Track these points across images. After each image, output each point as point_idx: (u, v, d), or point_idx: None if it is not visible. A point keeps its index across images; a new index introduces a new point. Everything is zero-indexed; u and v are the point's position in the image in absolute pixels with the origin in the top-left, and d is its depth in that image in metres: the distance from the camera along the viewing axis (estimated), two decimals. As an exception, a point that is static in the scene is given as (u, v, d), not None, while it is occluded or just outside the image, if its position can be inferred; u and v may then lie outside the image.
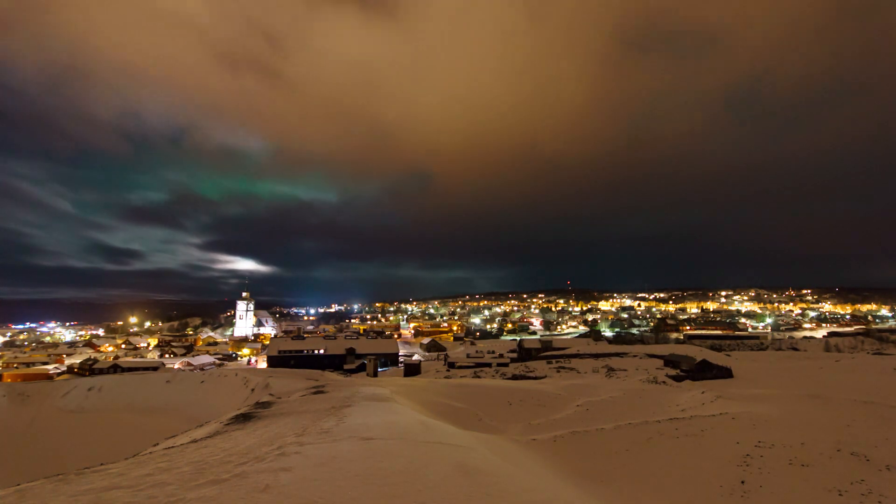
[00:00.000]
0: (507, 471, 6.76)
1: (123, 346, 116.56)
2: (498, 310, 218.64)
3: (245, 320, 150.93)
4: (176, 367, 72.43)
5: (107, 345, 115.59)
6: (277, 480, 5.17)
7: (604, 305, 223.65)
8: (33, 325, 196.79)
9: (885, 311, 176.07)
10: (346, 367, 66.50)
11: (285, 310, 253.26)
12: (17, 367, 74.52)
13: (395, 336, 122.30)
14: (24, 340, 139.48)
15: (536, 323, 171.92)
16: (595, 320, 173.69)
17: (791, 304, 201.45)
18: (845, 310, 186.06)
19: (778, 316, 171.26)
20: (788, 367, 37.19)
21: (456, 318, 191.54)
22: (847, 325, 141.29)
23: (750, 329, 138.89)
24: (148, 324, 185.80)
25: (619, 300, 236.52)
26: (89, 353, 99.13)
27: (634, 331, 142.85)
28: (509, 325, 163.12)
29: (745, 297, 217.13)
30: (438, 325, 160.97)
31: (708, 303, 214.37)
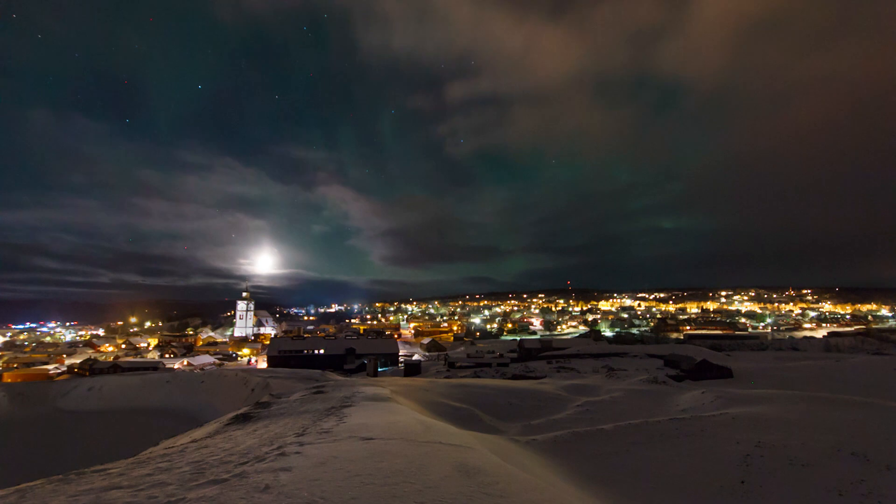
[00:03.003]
0: (508, 471, 6.76)
1: (123, 346, 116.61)
2: (498, 310, 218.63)
3: (245, 320, 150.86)
4: (176, 367, 72.43)
5: (107, 345, 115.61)
6: (277, 480, 5.17)
7: (604, 305, 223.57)
8: (33, 325, 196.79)
9: (885, 311, 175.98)
10: (346, 367, 66.53)
11: (285, 310, 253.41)
12: (17, 367, 74.50)
13: (395, 336, 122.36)
14: (24, 340, 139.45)
15: (536, 323, 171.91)
16: (595, 320, 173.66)
17: (791, 304, 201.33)
18: (845, 310, 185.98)
19: (778, 316, 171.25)
20: (788, 367, 37.20)
21: (456, 318, 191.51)
22: (847, 325, 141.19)
23: (750, 329, 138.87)
24: (148, 324, 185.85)
25: (619, 300, 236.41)
26: (89, 353, 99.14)
27: (634, 331, 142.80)
28: (509, 325, 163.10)
29: (745, 297, 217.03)
30: (438, 325, 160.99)
31: (708, 303, 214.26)
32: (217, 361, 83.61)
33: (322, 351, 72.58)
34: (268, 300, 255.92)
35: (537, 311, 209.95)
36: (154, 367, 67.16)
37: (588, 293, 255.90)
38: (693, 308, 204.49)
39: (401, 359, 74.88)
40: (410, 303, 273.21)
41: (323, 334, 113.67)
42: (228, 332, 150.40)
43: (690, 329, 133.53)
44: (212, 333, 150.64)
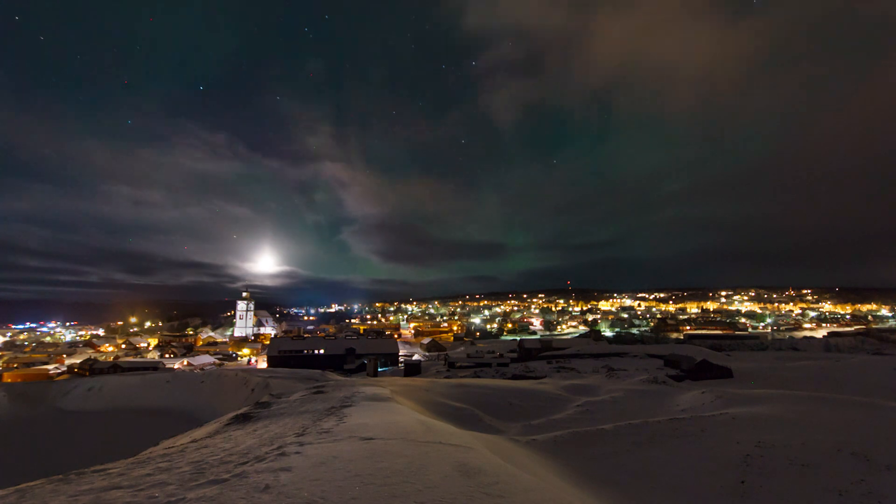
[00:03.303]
0: (508, 471, 6.76)
1: (123, 346, 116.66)
2: (498, 310, 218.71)
3: (245, 320, 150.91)
4: (176, 367, 72.45)
5: (107, 345, 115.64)
6: (277, 480, 5.17)
7: (604, 305, 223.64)
8: (33, 325, 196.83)
9: (885, 311, 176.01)
10: (346, 367, 66.59)
11: (285, 310, 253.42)
12: (17, 367, 74.54)
13: (396, 336, 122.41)
14: (24, 340, 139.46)
15: (536, 323, 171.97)
16: (595, 320, 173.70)
17: (791, 304, 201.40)
18: (845, 310, 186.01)
19: (778, 316, 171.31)
20: (788, 367, 37.18)
21: (456, 318, 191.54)
22: (847, 325, 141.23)
23: (750, 329, 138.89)
24: (148, 324, 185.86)
25: (619, 300, 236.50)
26: (89, 353, 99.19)
27: (634, 331, 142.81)
28: (509, 325, 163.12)
29: (745, 297, 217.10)
30: (438, 325, 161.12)
31: (708, 303, 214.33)
32: (217, 361, 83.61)
33: (322, 351, 72.59)
34: (268, 300, 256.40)
35: (537, 311, 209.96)
36: (154, 367, 67.18)
37: (588, 293, 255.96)
38: (693, 308, 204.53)
39: (401, 359, 74.89)
40: (410, 303, 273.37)
41: (323, 334, 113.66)
42: (228, 332, 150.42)
43: (690, 329, 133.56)
44: (212, 333, 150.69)
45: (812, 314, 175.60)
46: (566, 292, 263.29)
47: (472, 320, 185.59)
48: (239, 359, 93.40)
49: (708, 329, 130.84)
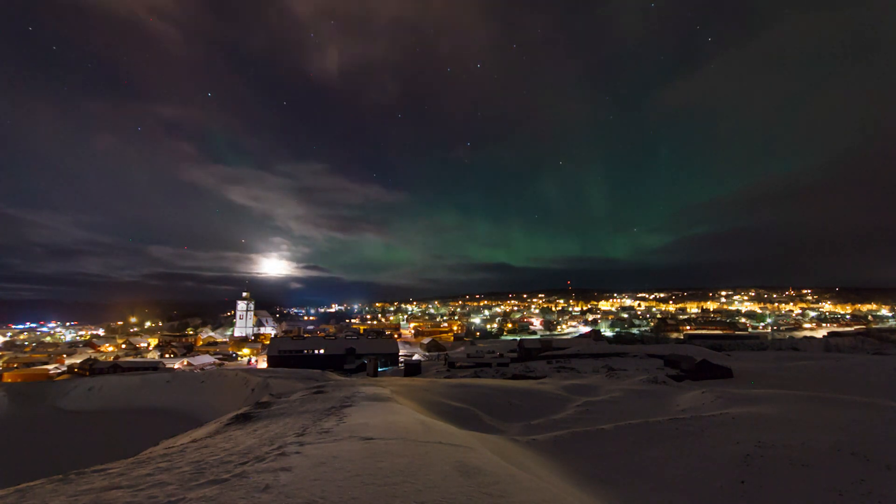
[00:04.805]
0: (508, 471, 6.76)
1: (123, 346, 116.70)
2: (498, 310, 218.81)
3: (245, 320, 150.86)
4: (176, 367, 72.46)
5: (107, 345, 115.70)
6: (277, 480, 5.17)
7: (604, 305, 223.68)
8: (33, 325, 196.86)
9: (885, 311, 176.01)
10: (346, 367, 66.62)
11: (285, 310, 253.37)
12: (17, 367, 74.60)
13: (396, 336, 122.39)
14: (24, 340, 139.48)
15: (537, 323, 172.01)
16: (595, 320, 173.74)
17: (791, 304, 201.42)
18: (845, 310, 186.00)
19: (778, 316, 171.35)
20: (788, 367, 37.20)
21: (456, 318, 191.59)
22: (847, 325, 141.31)
23: (750, 329, 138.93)
24: (148, 324, 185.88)
25: (619, 300, 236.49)
26: (89, 353, 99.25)
27: (635, 331, 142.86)
28: (509, 325, 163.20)
29: (745, 297, 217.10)
30: (439, 325, 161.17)
31: (708, 303, 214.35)
32: (217, 361, 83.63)
33: (322, 351, 72.57)
34: (268, 300, 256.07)
35: (537, 311, 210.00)
36: (154, 367, 67.17)
37: (588, 293, 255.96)
38: (693, 308, 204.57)
39: (401, 359, 74.88)
40: (410, 303, 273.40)
41: (323, 334, 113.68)
42: (228, 332, 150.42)
43: (690, 329, 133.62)
44: (212, 333, 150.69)
45: (812, 314, 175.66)
46: (566, 292, 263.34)
47: (472, 320, 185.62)
48: (239, 359, 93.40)
49: (708, 329, 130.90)
